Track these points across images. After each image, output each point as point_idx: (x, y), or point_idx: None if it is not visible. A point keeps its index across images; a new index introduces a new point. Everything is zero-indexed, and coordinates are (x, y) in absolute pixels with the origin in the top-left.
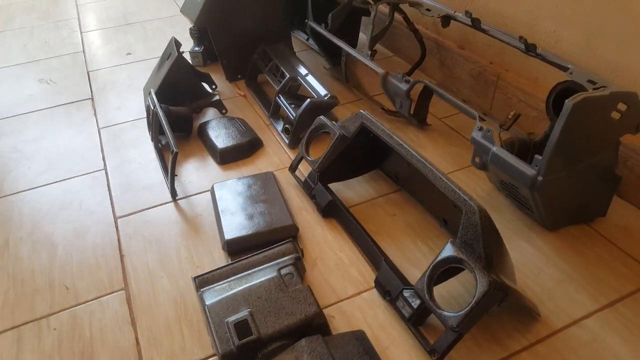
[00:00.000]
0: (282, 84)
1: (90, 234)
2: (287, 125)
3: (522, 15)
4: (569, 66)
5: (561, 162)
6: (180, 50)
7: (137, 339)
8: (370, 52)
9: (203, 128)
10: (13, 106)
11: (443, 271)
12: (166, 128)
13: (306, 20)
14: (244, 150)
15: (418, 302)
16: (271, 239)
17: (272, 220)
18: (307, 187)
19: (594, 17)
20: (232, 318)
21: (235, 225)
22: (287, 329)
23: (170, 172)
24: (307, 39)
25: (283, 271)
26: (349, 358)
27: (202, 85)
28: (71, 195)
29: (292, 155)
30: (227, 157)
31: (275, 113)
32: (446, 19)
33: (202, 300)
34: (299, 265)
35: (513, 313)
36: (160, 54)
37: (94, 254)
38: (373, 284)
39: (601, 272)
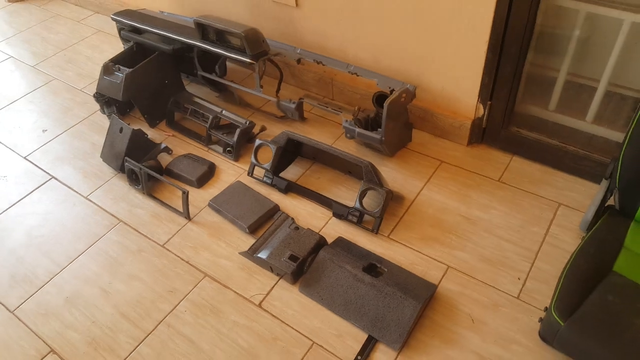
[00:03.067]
0: (209, 122)
1: None
2: (228, 148)
3: (336, 46)
4: (375, 79)
5: (389, 127)
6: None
7: None
8: (261, 88)
9: (171, 170)
10: None
11: (361, 194)
12: (161, 178)
13: (196, 72)
14: (210, 173)
15: (357, 213)
16: (268, 216)
17: (261, 206)
18: (267, 180)
19: (376, 44)
20: (285, 256)
21: (244, 216)
22: (311, 249)
23: (185, 204)
24: (187, 77)
25: (291, 227)
26: (342, 249)
27: (150, 141)
28: None
29: (239, 167)
30: (202, 181)
31: (210, 142)
32: (299, 60)
33: (258, 257)
34: (295, 222)
35: (393, 203)
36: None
37: None
38: (332, 215)
39: (418, 166)
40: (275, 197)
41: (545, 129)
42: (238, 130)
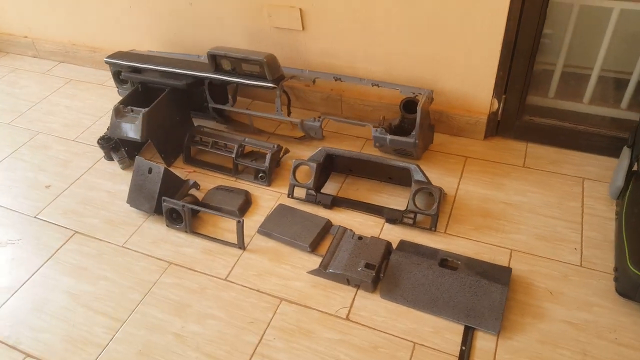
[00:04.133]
0: (235, 151)
1: None
2: (261, 174)
3: (344, 64)
4: (398, 88)
5: (421, 130)
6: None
7: None
8: (281, 112)
9: (208, 204)
10: None
11: (414, 196)
12: (211, 211)
13: (206, 104)
14: (247, 201)
15: (412, 214)
16: (324, 232)
17: (314, 223)
18: (311, 199)
19: (388, 55)
20: (360, 265)
21: (301, 235)
22: (382, 255)
23: (240, 234)
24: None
25: (354, 237)
26: (410, 250)
27: (179, 178)
28: None
29: (274, 191)
30: (243, 210)
31: (237, 172)
32: (314, 81)
33: (332, 272)
34: (356, 233)
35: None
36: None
37: None
38: (385, 221)
39: (446, 164)
40: (322, 213)
41: (553, 114)
42: (269, 155)
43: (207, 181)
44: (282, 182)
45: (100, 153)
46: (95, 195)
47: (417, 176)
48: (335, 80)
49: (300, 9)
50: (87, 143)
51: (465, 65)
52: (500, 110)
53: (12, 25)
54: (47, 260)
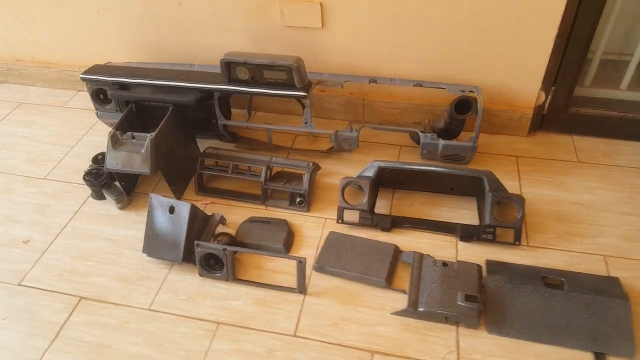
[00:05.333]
0: (264, 174)
1: None
2: (299, 199)
3: (368, 64)
4: (444, 87)
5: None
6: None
7: None
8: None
9: (245, 242)
10: None
11: (492, 207)
12: (252, 250)
13: (215, 121)
14: (291, 232)
15: (492, 228)
16: (395, 261)
17: (380, 252)
18: (366, 222)
19: (422, 51)
20: (459, 298)
21: (370, 269)
22: (478, 282)
23: (301, 275)
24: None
25: (437, 264)
26: (503, 272)
27: (204, 214)
28: None
29: (315, 216)
30: (289, 245)
31: (266, 198)
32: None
33: (427, 311)
34: (436, 259)
35: (502, 209)
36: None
37: None
38: (459, 239)
39: (498, 167)
40: (380, 238)
41: (594, 104)
42: (307, 176)
43: (232, 213)
44: (321, 205)
45: (84, 191)
46: (94, 246)
47: (493, 185)
48: (370, 83)
49: (321, 3)
50: (64, 180)
51: (512, 57)
52: (547, 103)
53: None
54: (52, 343)
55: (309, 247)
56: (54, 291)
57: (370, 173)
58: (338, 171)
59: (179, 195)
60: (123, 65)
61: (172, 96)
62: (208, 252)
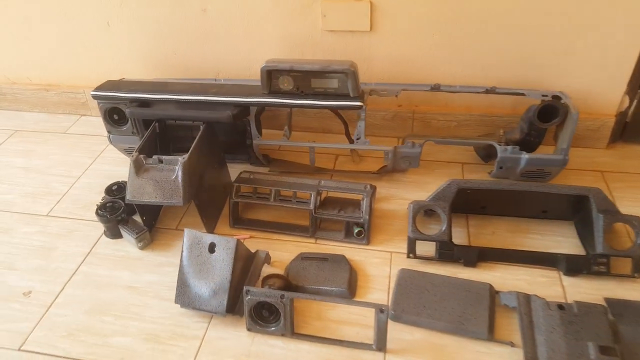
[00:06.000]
0: (313, 201)
1: None
2: (358, 229)
3: (419, 69)
4: (522, 92)
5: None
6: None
7: None
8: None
9: (300, 285)
10: None
11: (605, 232)
12: (316, 297)
13: (251, 142)
14: (354, 270)
15: (605, 258)
16: (492, 305)
17: (473, 294)
18: (446, 255)
19: (487, 55)
20: (591, 352)
21: (465, 317)
22: (608, 329)
23: (381, 329)
24: None
25: (552, 308)
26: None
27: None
28: None
29: (376, 250)
30: (353, 287)
31: (316, 229)
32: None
33: None
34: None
35: None
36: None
37: None
38: (563, 273)
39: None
40: (462, 274)
41: None
42: (365, 201)
43: (276, 249)
44: (383, 236)
45: (95, 229)
46: (112, 296)
47: (602, 204)
48: (432, 90)
49: (371, 2)
50: (71, 217)
51: (594, 58)
52: (632, 109)
53: None
54: None
55: (377, 290)
56: (63, 357)
57: (447, 195)
58: (394, 195)
59: (211, 229)
60: (141, 81)
61: (204, 113)
62: (261, 301)
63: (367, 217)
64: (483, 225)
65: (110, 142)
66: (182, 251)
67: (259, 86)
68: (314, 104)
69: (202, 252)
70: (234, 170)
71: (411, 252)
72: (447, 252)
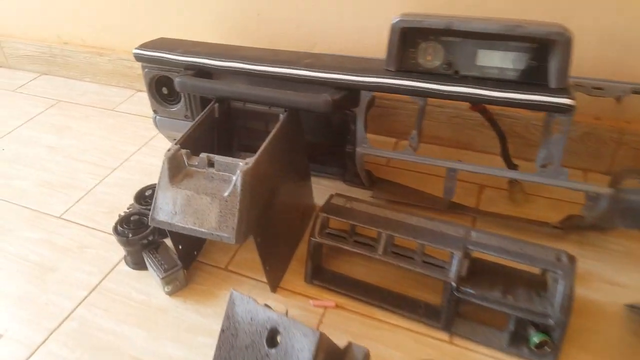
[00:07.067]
0: (455, 268)
1: None
2: (542, 337)
3: None
4: None
5: None
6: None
7: None
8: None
9: None
10: None
11: None
12: None
13: (353, 148)
14: None
15: None
16: None
17: None
18: None
19: None
20: None
21: None
22: None
23: None
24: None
25: None
26: None
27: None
28: None
29: None
30: None
31: (452, 317)
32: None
33: None
34: None
35: None
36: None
37: None
38: None
39: None
40: None
41: None
42: (561, 286)
43: (381, 340)
44: (582, 356)
45: (115, 248)
46: None
47: None
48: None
49: None
50: (88, 225)
51: None
52: None
53: None
54: None
55: None
56: None
57: None
58: (593, 273)
59: (275, 282)
60: (205, 42)
61: (289, 94)
62: None
63: (563, 317)
64: None
65: (156, 125)
66: (222, 330)
67: (377, 61)
68: (484, 95)
69: (256, 343)
70: (320, 189)
71: None
72: None
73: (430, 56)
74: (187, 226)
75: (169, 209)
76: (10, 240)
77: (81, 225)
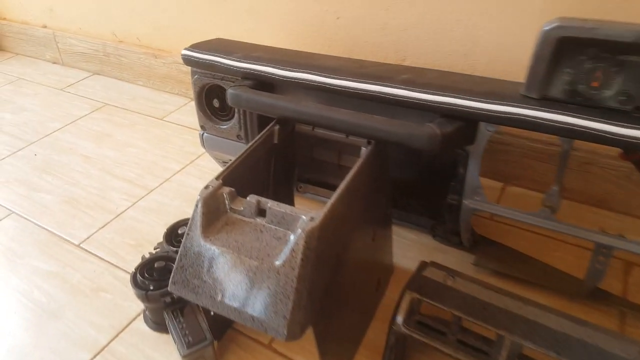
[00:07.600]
0: None
1: None
2: None
3: None
4: None
5: None
6: None
7: None
8: None
9: None
10: None
11: None
12: None
13: (457, 199)
14: None
15: None
16: None
17: None
18: None
19: None
20: None
21: None
22: None
23: None
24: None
25: None
26: None
27: None
28: None
29: None
30: None
31: None
32: None
33: None
34: None
35: None
36: None
37: None
38: None
39: None
40: None
41: None
42: None
43: None
44: None
45: (134, 298)
46: None
47: None
48: None
49: None
50: (109, 259)
51: None
52: None
53: (28, 8)
54: None
55: None
56: None
57: None
58: None
59: None
60: (270, 47)
61: (377, 121)
62: None
63: None
64: None
65: (202, 144)
66: None
67: (505, 83)
68: None
69: None
70: (401, 243)
71: None
72: None
73: (598, 82)
74: (215, 308)
75: (191, 273)
76: (17, 270)
77: (101, 259)
